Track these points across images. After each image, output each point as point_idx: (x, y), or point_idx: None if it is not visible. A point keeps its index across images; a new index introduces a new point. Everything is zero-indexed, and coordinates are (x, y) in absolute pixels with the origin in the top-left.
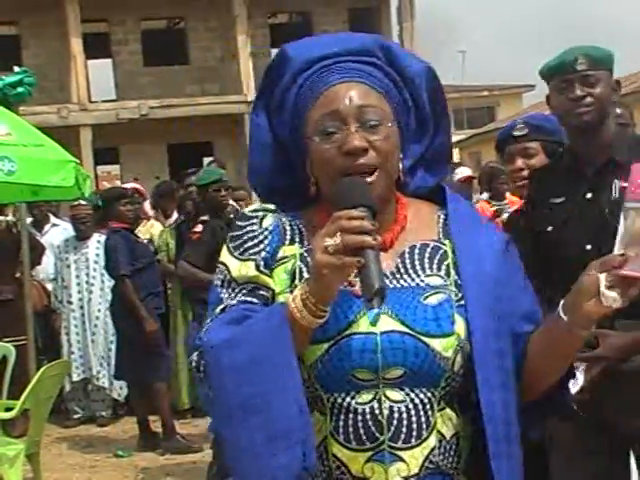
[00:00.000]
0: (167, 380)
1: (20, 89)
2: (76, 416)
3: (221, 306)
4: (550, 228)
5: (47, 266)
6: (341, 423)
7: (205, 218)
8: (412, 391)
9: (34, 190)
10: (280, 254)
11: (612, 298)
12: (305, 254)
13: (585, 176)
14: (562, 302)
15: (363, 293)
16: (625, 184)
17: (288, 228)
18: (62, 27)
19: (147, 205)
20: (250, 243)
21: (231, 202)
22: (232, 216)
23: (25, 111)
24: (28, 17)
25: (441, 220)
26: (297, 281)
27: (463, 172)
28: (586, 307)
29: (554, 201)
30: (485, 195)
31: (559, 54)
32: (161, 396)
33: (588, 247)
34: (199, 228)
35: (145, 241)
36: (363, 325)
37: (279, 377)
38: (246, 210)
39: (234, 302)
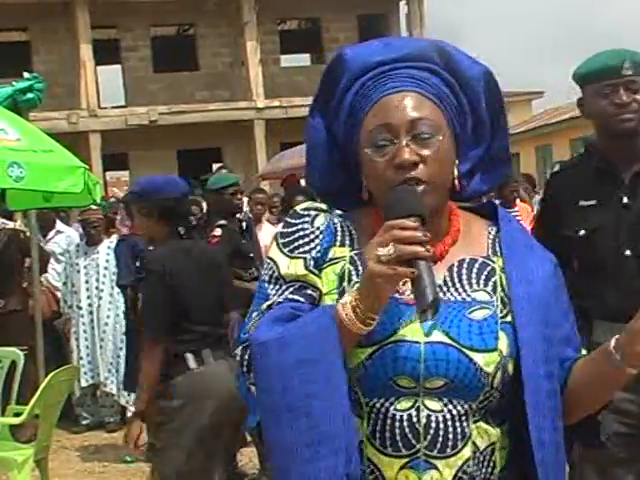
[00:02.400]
0: None
1: (30, 95)
2: (85, 422)
3: (268, 302)
4: (583, 232)
5: (47, 272)
6: (378, 428)
7: (223, 222)
8: (450, 402)
9: (46, 196)
10: (331, 255)
11: None
12: (355, 257)
13: (621, 180)
14: (615, 338)
15: (417, 304)
16: None
17: (339, 229)
18: (72, 33)
19: None
20: (301, 241)
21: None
22: (244, 222)
23: (35, 117)
24: (38, 23)
25: (491, 236)
26: (346, 283)
27: None
28: (638, 349)
29: (584, 204)
30: (495, 202)
31: (600, 57)
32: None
33: (627, 252)
34: (218, 232)
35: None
36: (409, 333)
37: (326, 380)
38: (298, 208)
39: (281, 299)
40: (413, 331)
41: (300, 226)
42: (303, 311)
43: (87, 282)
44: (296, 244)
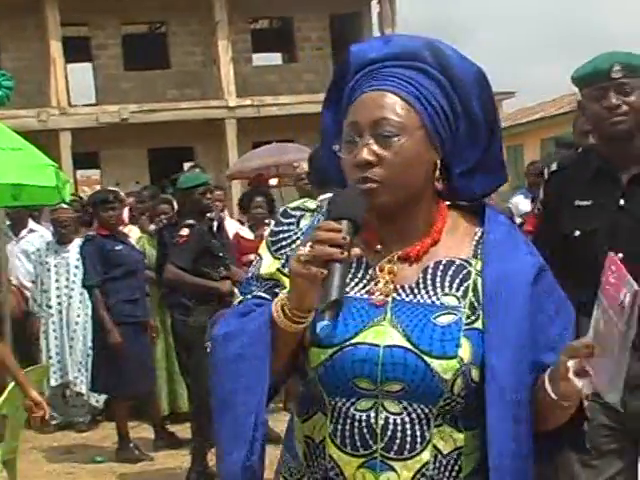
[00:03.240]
0: (142, 389)
1: None
2: (54, 422)
3: (240, 298)
4: (578, 232)
5: (18, 271)
6: (339, 427)
7: (191, 222)
8: (410, 405)
9: (14, 195)
10: None
11: (578, 386)
12: None
13: (618, 182)
14: (548, 371)
15: (319, 303)
16: None
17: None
18: (42, 30)
19: (125, 211)
20: (284, 242)
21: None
22: (214, 222)
23: (3, 115)
24: (7, 20)
25: (476, 238)
26: None
27: None
28: (562, 385)
29: (580, 203)
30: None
31: (592, 61)
32: (120, 406)
33: (620, 255)
34: (185, 232)
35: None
36: (371, 336)
37: (251, 376)
38: (289, 207)
39: (250, 296)
40: (376, 333)
41: (287, 227)
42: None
43: (57, 281)
44: (280, 244)
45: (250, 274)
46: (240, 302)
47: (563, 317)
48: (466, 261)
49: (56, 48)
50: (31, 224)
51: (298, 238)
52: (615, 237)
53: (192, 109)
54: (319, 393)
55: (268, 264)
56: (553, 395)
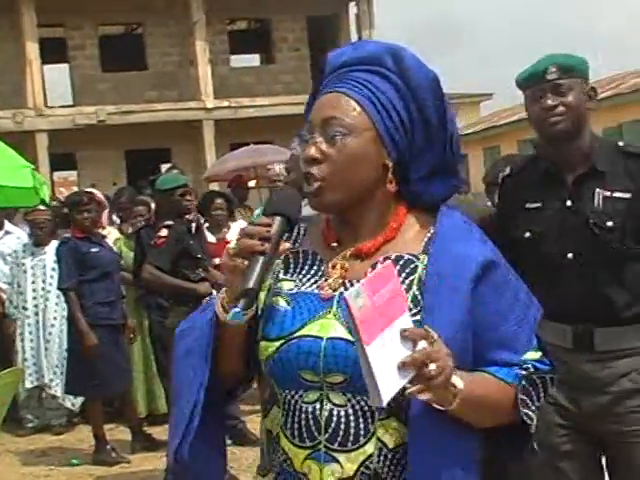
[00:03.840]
0: (118, 391)
1: None
2: (30, 425)
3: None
4: (528, 234)
5: None
6: (289, 419)
7: (170, 223)
8: (354, 397)
9: None
10: None
11: (411, 390)
12: (289, 255)
13: (564, 183)
14: None
15: (237, 291)
16: (607, 193)
17: (295, 232)
18: (17, 31)
19: (105, 213)
20: None
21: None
22: (193, 223)
23: None
24: None
25: (429, 234)
26: (272, 280)
27: None
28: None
29: (530, 206)
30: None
31: (529, 66)
32: (94, 408)
33: (570, 256)
34: (164, 233)
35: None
36: (316, 328)
37: (192, 372)
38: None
39: (215, 294)
40: (321, 326)
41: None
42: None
43: (34, 283)
44: None
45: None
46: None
47: (519, 313)
48: (415, 256)
49: (32, 49)
50: (7, 226)
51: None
52: (563, 237)
53: (169, 110)
54: (272, 387)
55: None
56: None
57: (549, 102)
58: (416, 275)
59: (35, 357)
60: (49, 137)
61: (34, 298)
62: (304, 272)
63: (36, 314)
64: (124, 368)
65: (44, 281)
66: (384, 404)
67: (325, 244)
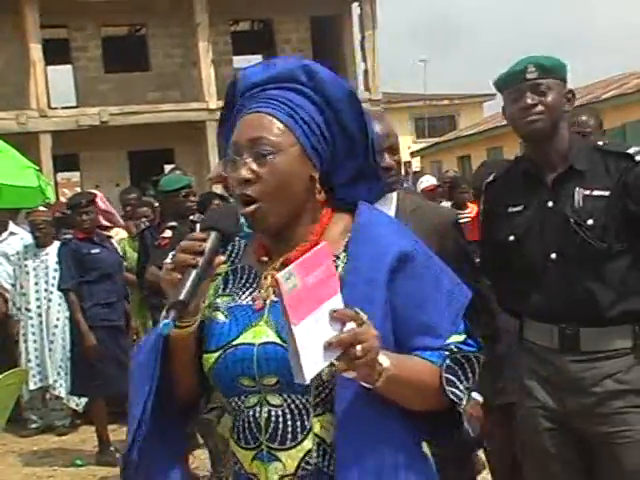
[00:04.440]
0: (121, 391)
1: None
2: (34, 425)
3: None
4: (512, 238)
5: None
6: (236, 424)
7: (174, 224)
8: (289, 397)
9: None
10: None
11: (339, 366)
12: (229, 272)
13: (545, 184)
14: None
15: (167, 303)
16: (587, 192)
17: (230, 247)
18: (21, 32)
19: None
20: None
21: None
22: (198, 224)
23: None
24: None
25: (349, 234)
26: (212, 297)
27: (429, 181)
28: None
29: (512, 210)
30: (447, 204)
31: (508, 67)
32: (98, 409)
33: (553, 256)
34: (168, 234)
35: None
36: (250, 337)
37: (141, 385)
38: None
39: None
40: (254, 334)
41: None
42: None
43: (36, 284)
44: None
45: None
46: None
47: (440, 301)
48: (336, 257)
49: (36, 50)
50: (12, 227)
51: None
52: (545, 238)
53: (172, 111)
54: (220, 395)
55: None
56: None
57: (528, 101)
58: (337, 274)
59: (39, 358)
60: (52, 138)
61: (37, 299)
62: (240, 286)
63: (39, 315)
64: (126, 368)
65: (47, 282)
66: (307, 381)
67: (256, 259)
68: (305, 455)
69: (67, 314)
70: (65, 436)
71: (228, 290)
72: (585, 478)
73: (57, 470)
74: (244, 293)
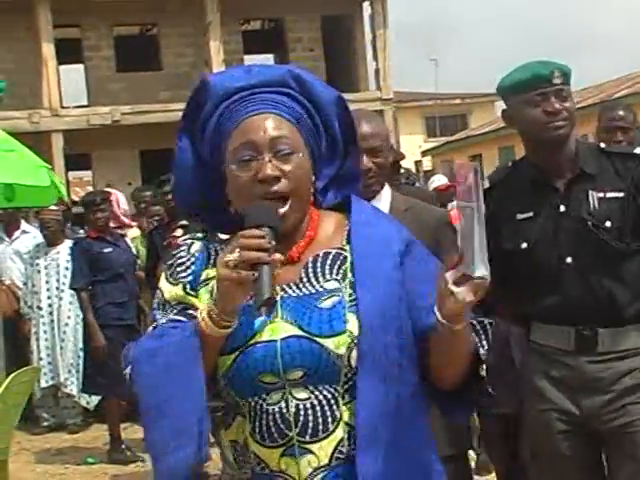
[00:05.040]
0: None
1: None
2: (45, 423)
3: (153, 325)
4: (524, 245)
5: (12, 272)
6: (257, 424)
7: (185, 223)
8: (316, 388)
9: (8, 196)
10: (204, 276)
11: (461, 294)
12: None
13: (555, 189)
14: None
15: (254, 302)
16: (600, 194)
17: (213, 252)
18: (33, 32)
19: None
20: (179, 269)
21: None
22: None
23: None
24: None
25: (347, 228)
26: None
27: (441, 180)
28: (446, 304)
29: (521, 217)
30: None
31: (528, 68)
32: (111, 407)
33: (569, 260)
34: (179, 233)
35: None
36: (267, 334)
37: (185, 383)
38: (180, 240)
39: (163, 320)
40: (272, 331)
41: (179, 255)
42: (182, 328)
43: (47, 282)
44: (175, 271)
45: (155, 304)
46: (154, 327)
47: None
48: (341, 248)
49: (48, 50)
50: (24, 225)
51: (192, 263)
52: (560, 243)
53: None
54: (232, 398)
55: (169, 289)
56: (441, 319)
57: (557, 106)
58: (347, 264)
59: (50, 356)
60: (64, 137)
61: (48, 297)
62: None
63: (50, 313)
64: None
65: (58, 280)
66: (485, 272)
67: None
68: (337, 445)
69: (78, 312)
70: (77, 434)
71: None
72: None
73: (69, 468)
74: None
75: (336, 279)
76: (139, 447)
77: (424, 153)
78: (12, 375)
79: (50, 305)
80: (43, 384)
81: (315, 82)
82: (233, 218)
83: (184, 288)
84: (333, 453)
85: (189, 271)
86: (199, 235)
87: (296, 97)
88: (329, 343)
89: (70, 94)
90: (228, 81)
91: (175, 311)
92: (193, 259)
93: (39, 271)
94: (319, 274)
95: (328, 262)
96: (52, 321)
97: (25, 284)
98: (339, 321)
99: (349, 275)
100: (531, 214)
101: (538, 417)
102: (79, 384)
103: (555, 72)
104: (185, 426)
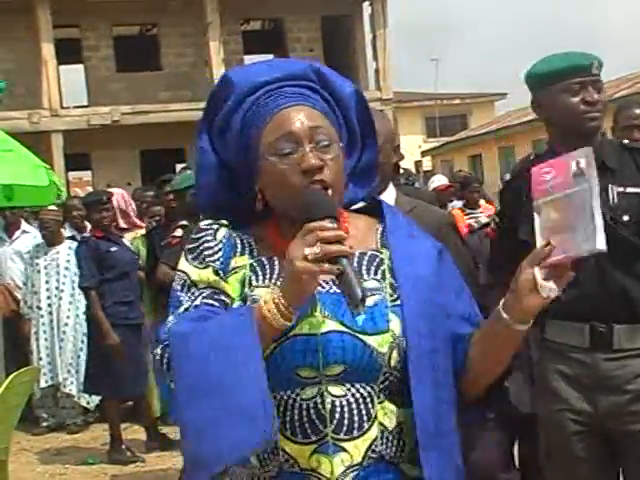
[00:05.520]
0: (136, 390)
1: None
2: (45, 424)
3: (184, 306)
4: None
5: (12, 272)
6: (287, 419)
7: (185, 223)
8: (353, 386)
9: (7, 196)
10: (232, 264)
11: (549, 288)
12: (255, 264)
13: None
14: (502, 301)
15: (348, 301)
16: (620, 189)
17: (239, 241)
18: (33, 32)
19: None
20: (206, 253)
21: None
22: None
23: None
24: None
25: (379, 231)
26: (247, 289)
27: (441, 180)
28: (526, 301)
29: None
30: (459, 203)
31: (567, 57)
32: (111, 407)
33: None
34: (179, 233)
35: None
36: (306, 327)
37: (245, 363)
38: (201, 224)
39: (197, 303)
40: (310, 324)
41: (204, 239)
42: (217, 314)
43: (47, 282)
44: (202, 255)
45: (179, 286)
46: (186, 309)
47: (467, 293)
48: (376, 251)
49: (48, 50)
50: (24, 225)
51: (220, 249)
52: None
53: (184, 111)
54: None
55: (197, 272)
56: (508, 318)
57: (595, 96)
58: (385, 266)
59: (50, 356)
60: (64, 137)
61: (48, 297)
62: (274, 278)
63: (50, 313)
64: (142, 367)
65: (57, 280)
66: (602, 246)
67: (280, 253)
68: (371, 444)
69: (78, 312)
70: (76, 434)
71: (261, 281)
72: None
73: (69, 468)
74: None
75: (375, 279)
76: (139, 447)
77: (424, 153)
78: (12, 375)
79: (50, 305)
80: (43, 384)
81: (334, 76)
82: (257, 214)
83: (216, 272)
84: (366, 452)
85: (217, 256)
86: (223, 222)
87: (318, 90)
88: (372, 341)
89: (70, 94)
90: (252, 76)
91: (204, 294)
92: (221, 245)
93: (39, 271)
94: (357, 272)
95: (365, 262)
96: (52, 321)
97: (25, 284)
98: (382, 319)
99: (388, 276)
100: None
101: (552, 417)
102: (79, 384)
103: (595, 62)
104: (247, 404)
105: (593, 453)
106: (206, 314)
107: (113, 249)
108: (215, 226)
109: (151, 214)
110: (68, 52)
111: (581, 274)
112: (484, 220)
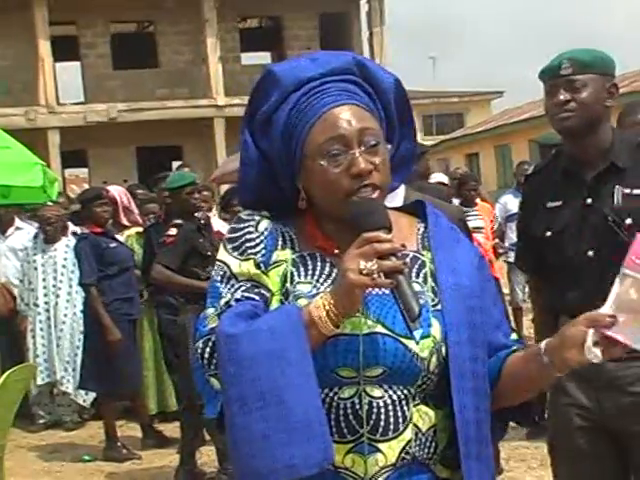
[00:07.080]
0: (132, 387)
1: None
2: (41, 421)
3: (225, 299)
4: (549, 233)
5: (7, 269)
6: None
7: (179, 222)
8: (390, 388)
9: (3, 193)
10: (274, 258)
11: (594, 354)
12: (297, 259)
13: (584, 181)
14: (545, 341)
15: (406, 315)
16: (627, 190)
17: (280, 234)
18: (30, 29)
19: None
20: (248, 244)
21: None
22: (202, 221)
23: None
24: None
25: (420, 232)
26: (288, 284)
27: (437, 178)
28: (568, 355)
29: (551, 205)
30: (455, 201)
31: (553, 58)
32: (108, 404)
33: (590, 254)
34: (173, 231)
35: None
36: (347, 327)
37: (299, 373)
38: (242, 214)
39: (238, 296)
40: (352, 325)
41: (246, 230)
42: (260, 309)
43: (44, 280)
44: (244, 247)
45: (218, 277)
46: (227, 303)
47: (500, 301)
48: (418, 252)
49: (44, 47)
50: (18, 222)
51: (262, 241)
52: (583, 236)
53: (181, 108)
54: None
55: (238, 264)
56: (548, 362)
57: (561, 97)
58: (427, 269)
59: (46, 354)
60: (61, 134)
61: (45, 295)
62: (317, 274)
63: (47, 311)
64: (138, 365)
65: (55, 278)
66: None
67: (325, 251)
68: (406, 445)
69: (75, 310)
70: (73, 432)
71: (304, 277)
72: (618, 477)
73: (65, 465)
74: (325, 281)
75: (417, 282)
76: (135, 445)
77: None
78: (8, 372)
79: (47, 302)
80: (39, 381)
81: (376, 68)
82: (294, 207)
83: (257, 265)
84: (400, 453)
85: (259, 248)
86: (265, 213)
87: (361, 84)
88: (413, 345)
89: (67, 91)
90: (297, 70)
91: (244, 287)
92: (262, 237)
93: (36, 268)
94: (412, 287)
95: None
96: (49, 318)
97: (21, 281)
98: (424, 324)
99: (429, 280)
100: (560, 203)
101: (559, 411)
102: (75, 382)
103: (564, 63)
104: (304, 420)
105: (596, 449)
106: (250, 310)
107: (112, 245)
108: (257, 217)
109: (145, 212)
110: (65, 49)
111: (585, 274)
112: (474, 224)
